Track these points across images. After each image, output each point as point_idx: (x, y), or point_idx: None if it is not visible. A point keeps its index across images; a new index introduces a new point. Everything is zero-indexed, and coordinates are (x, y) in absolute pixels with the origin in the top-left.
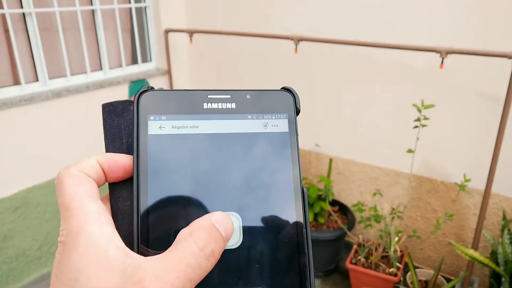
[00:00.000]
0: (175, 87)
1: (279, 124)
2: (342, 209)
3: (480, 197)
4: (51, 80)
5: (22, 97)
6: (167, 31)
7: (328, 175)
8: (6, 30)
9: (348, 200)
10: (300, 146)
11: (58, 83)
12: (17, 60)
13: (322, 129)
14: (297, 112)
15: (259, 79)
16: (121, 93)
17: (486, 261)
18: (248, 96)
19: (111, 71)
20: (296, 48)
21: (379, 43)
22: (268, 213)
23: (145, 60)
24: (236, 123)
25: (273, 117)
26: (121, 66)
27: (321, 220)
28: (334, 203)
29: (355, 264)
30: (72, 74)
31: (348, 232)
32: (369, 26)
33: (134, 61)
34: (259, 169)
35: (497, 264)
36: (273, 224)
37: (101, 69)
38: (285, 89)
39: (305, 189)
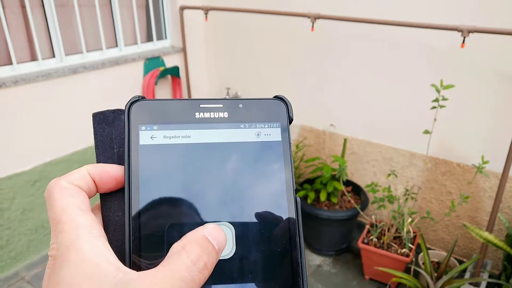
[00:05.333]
0: (190, 65)
1: (272, 133)
2: (356, 189)
3: (497, 180)
4: (67, 57)
5: (39, 73)
6: (182, 8)
7: (342, 155)
8: (23, 6)
9: (361, 181)
10: (314, 126)
11: (74, 60)
12: (34, 36)
13: (338, 108)
14: (290, 120)
15: (275, 57)
16: (136, 70)
17: (501, 244)
18: (240, 105)
19: (126, 48)
20: (312, 26)
21: (397, 22)
22: (261, 222)
23: (160, 37)
24: (229, 133)
25: (266, 126)
26: (136, 43)
27: (334, 199)
28: (348, 183)
29: (367, 244)
30: (88, 51)
31: (361, 212)
32: (388, 3)
33: (149, 38)
34: (252, 178)
35: None
36: (266, 234)
37: (117, 46)
38: (277, 97)
39: (298, 198)
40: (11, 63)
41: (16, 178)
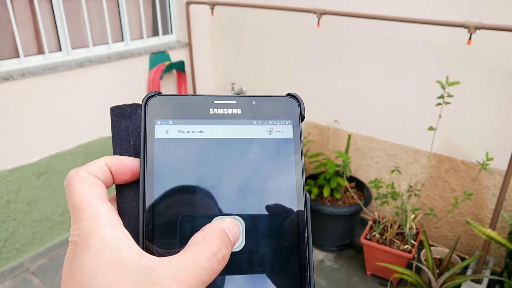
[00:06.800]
0: (195, 60)
1: (283, 130)
2: (359, 185)
3: (501, 178)
4: (73, 50)
5: (46, 66)
6: (188, 3)
7: (346, 151)
8: (31, 0)
9: (365, 177)
10: (319, 121)
11: (81, 53)
12: (41, 29)
13: (342, 104)
14: (302, 118)
15: (280, 53)
16: (142, 65)
17: (504, 241)
18: (253, 102)
19: (132, 42)
20: (318, 22)
21: (403, 18)
22: (270, 217)
23: (166, 32)
24: (241, 129)
25: (278, 123)
26: (142, 37)
27: (338, 195)
28: (351, 179)
29: (370, 239)
30: (94, 45)
31: (364, 208)
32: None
33: (155, 33)
34: (263, 174)
35: None
36: (275, 228)
37: (123, 40)
38: (290, 95)
39: (307, 195)
40: (18, 56)
41: (22, 170)
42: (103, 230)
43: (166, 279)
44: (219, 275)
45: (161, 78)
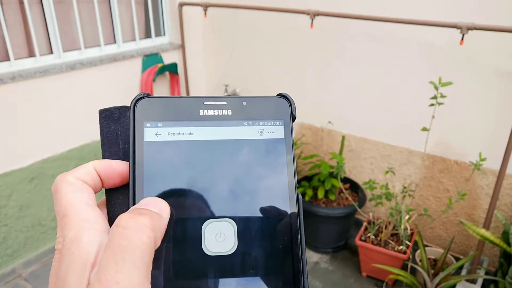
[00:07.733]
0: (188, 62)
1: (275, 131)
2: (353, 186)
3: (494, 178)
4: (65, 53)
5: (37, 69)
6: (181, 5)
7: (340, 153)
8: (21, 3)
9: (359, 178)
10: (312, 123)
11: (72, 56)
12: (32, 32)
13: (336, 106)
14: (293, 118)
15: (273, 54)
16: (135, 67)
17: (497, 240)
18: (244, 103)
19: (124, 44)
20: (312, 23)
21: (396, 19)
22: (263, 219)
23: (158, 34)
24: (232, 130)
25: (269, 124)
26: (134, 39)
27: (332, 197)
28: (346, 180)
29: (365, 241)
30: (86, 47)
31: (358, 209)
32: (387, 0)
33: (147, 34)
34: (255, 175)
35: (508, 244)
36: (267, 230)
37: (115, 42)
38: (281, 95)
39: (300, 196)
40: (8, 59)
41: (13, 175)
42: (83, 235)
43: (93, 286)
44: (211, 278)
45: (154, 80)
